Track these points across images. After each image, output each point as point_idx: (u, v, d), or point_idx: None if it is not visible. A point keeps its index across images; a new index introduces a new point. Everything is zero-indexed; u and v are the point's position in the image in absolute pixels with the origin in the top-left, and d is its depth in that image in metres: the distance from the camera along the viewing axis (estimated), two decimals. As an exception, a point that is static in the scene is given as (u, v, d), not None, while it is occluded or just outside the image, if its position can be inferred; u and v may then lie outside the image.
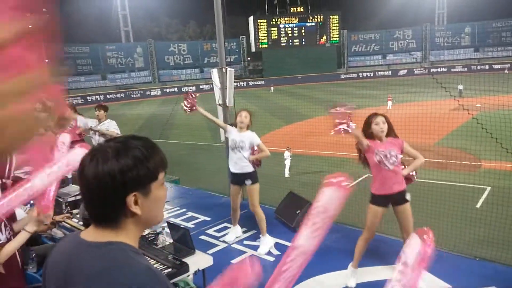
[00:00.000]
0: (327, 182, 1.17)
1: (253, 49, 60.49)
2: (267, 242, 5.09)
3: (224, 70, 6.71)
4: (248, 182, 5.08)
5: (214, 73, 6.79)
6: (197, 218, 6.30)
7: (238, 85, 50.74)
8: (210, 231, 5.72)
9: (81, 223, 4.45)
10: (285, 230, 5.66)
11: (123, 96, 48.56)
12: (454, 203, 7.27)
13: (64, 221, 4.53)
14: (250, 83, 55.01)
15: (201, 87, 50.35)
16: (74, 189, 5.36)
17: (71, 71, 49.46)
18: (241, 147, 5.03)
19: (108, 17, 56.53)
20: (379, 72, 56.13)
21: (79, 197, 5.07)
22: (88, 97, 46.23)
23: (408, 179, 3.96)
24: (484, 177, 9.43)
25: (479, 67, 50.96)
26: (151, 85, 53.63)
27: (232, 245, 5.27)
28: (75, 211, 4.94)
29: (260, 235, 5.18)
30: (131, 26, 57.74)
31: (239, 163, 5.06)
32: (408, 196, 3.93)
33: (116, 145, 1.10)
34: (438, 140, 13.27)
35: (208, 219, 6.20)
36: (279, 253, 4.99)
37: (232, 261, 4.74)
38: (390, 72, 55.23)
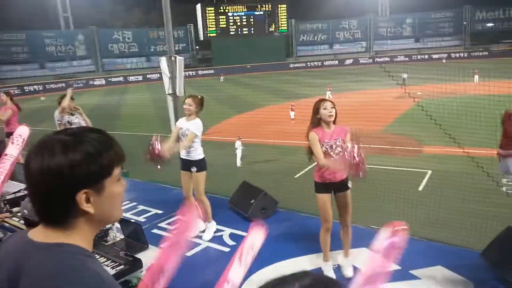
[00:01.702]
0: None
1: (201, 38, 59.59)
2: (212, 229, 5.10)
3: (173, 58, 6.52)
4: (194, 169, 5.00)
5: (163, 61, 6.58)
6: (149, 211, 6.11)
7: (187, 75, 49.94)
8: (163, 224, 5.57)
9: (22, 221, 4.15)
10: (239, 220, 5.64)
11: (64, 86, 46.03)
12: (398, 187, 7.60)
13: (3, 221, 4.21)
14: (200, 72, 54.24)
15: (148, 76, 48.96)
16: (13, 186, 4.99)
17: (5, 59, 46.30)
18: (187, 134, 4.95)
19: (46, 3, 53.06)
20: (326, 62, 57.41)
21: (19, 194, 4.74)
22: (25, 87, 43.49)
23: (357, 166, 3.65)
24: (426, 161, 9.95)
25: (419, 56, 53.54)
26: (94, 74, 51.38)
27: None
28: (15, 209, 4.60)
29: (206, 222, 5.12)
30: (71, 12, 54.70)
31: (186, 150, 5.00)
32: (349, 184, 4.00)
33: (65, 138, 1.01)
34: (384, 127, 13.82)
35: (160, 212, 6.03)
36: (234, 243, 4.97)
37: (187, 254, 4.65)
38: (337, 62, 56.69)
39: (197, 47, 61.57)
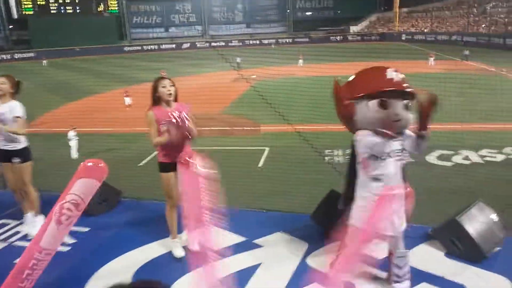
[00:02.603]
0: None
1: (15, 16, 51.76)
2: (40, 223, 4.58)
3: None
4: (16, 160, 4.39)
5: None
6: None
7: (0, 58, 43.03)
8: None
9: None
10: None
11: None
12: (240, 165, 8.02)
13: None
14: (16, 55, 47.24)
15: None
16: None
17: None
18: (2, 120, 4.27)
19: None
20: (163, 45, 56.37)
21: None
22: None
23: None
24: (263, 139, 10.73)
25: (251, 42, 56.91)
26: None
27: (14, 243, 4.49)
28: None
29: (33, 215, 4.64)
30: None
31: (6, 139, 4.33)
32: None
33: None
34: (223, 109, 14.33)
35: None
36: (75, 241, 4.54)
37: (15, 261, 4.05)
38: (174, 45, 56.18)
39: (10, 27, 53.26)
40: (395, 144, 2.92)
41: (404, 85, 2.84)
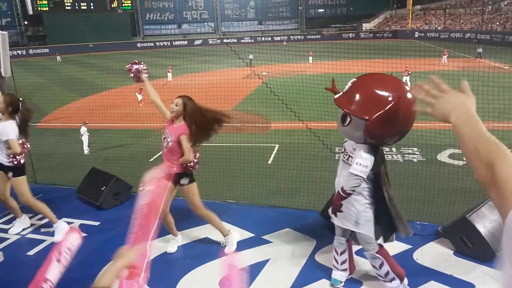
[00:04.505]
0: None
1: (30, 12, 52.40)
2: (62, 228, 4.54)
3: (-6, 33, 5.58)
4: (10, 174, 4.35)
5: (-20, 36, 5.58)
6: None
7: (16, 54, 43.64)
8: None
9: None
10: (90, 209, 5.24)
11: None
12: (250, 161, 8.04)
13: None
14: (31, 51, 47.84)
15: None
16: None
17: None
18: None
19: None
20: (176, 42, 56.53)
21: None
22: None
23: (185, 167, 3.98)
24: (274, 136, 10.73)
25: (263, 38, 56.74)
26: None
27: (26, 236, 4.58)
28: None
29: (53, 224, 4.60)
30: None
31: (2, 154, 4.29)
32: (183, 181, 3.96)
33: None
34: (235, 105, 14.34)
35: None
36: (86, 234, 4.61)
37: (28, 253, 4.14)
38: (186, 42, 56.31)
39: (25, 23, 53.92)
40: (346, 145, 3.27)
41: (336, 98, 3.17)
